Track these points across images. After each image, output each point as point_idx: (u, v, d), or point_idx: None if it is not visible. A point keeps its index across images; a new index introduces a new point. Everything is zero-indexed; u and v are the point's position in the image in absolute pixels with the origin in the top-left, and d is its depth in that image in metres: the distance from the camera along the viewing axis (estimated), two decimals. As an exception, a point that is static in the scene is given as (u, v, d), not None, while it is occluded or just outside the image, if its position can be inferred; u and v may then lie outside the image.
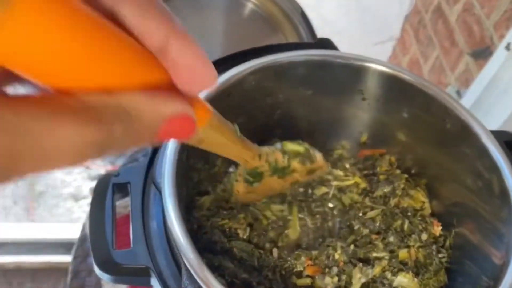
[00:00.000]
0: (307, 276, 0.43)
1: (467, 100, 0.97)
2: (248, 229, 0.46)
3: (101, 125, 0.15)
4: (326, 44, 0.50)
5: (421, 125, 0.47)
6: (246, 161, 0.36)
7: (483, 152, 0.41)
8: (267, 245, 0.46)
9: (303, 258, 0.44)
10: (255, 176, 0.39)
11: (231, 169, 0.46)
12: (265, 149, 0.38)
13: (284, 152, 0.39)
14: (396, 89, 0.45)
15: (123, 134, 0.16)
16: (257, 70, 0.43)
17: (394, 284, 0.42)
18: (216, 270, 0.42)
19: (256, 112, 0.49)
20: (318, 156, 0.41)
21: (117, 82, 0.16)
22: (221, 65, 0.48)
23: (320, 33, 1.51)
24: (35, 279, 1.16)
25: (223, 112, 0.27)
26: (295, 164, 0.39)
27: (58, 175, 1.41)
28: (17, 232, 1.17)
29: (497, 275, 0.36)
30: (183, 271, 0.33)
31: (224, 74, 0.44)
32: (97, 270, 0.35)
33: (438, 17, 1.22)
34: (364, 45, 1.49)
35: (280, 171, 0.39)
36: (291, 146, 0.40)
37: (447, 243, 0.47)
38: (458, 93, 1.07)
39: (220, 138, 0.29)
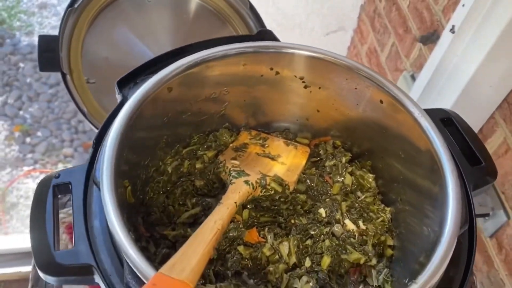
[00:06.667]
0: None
1: (420, 83, 1.00)
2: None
3: None
4: (267, 35, 0.50)
5: (360, 108, 0.48)
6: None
7: (418, 130, 0.43)
8: None
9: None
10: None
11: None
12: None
13: None
14: (333, 74, 0.46)
15: None
16: (192, 65, 0.43)
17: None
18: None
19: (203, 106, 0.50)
20: None
21: None
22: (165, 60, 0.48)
23: (280, 27, 1.53)
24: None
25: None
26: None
27: (30, 185, 1.38)
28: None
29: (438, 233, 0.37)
30: (125, 266, 0.33)
31: (163, 70, 0.44)
32: (39, 272, 0.35)
33: (392, 5, 1.25)
34: (324, 37, 1.52)
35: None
36: None
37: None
38: (413, 77, 1.11)
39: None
